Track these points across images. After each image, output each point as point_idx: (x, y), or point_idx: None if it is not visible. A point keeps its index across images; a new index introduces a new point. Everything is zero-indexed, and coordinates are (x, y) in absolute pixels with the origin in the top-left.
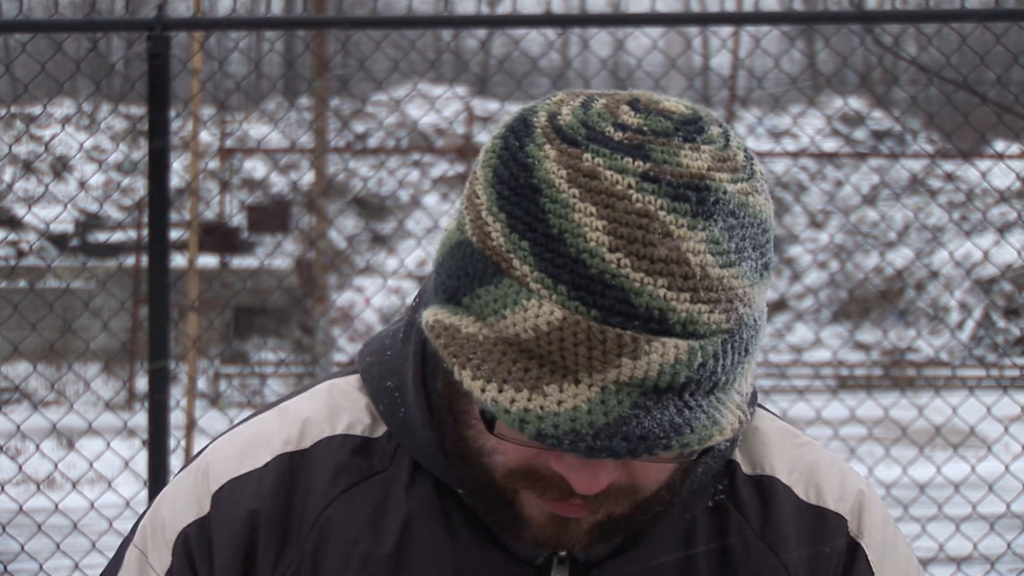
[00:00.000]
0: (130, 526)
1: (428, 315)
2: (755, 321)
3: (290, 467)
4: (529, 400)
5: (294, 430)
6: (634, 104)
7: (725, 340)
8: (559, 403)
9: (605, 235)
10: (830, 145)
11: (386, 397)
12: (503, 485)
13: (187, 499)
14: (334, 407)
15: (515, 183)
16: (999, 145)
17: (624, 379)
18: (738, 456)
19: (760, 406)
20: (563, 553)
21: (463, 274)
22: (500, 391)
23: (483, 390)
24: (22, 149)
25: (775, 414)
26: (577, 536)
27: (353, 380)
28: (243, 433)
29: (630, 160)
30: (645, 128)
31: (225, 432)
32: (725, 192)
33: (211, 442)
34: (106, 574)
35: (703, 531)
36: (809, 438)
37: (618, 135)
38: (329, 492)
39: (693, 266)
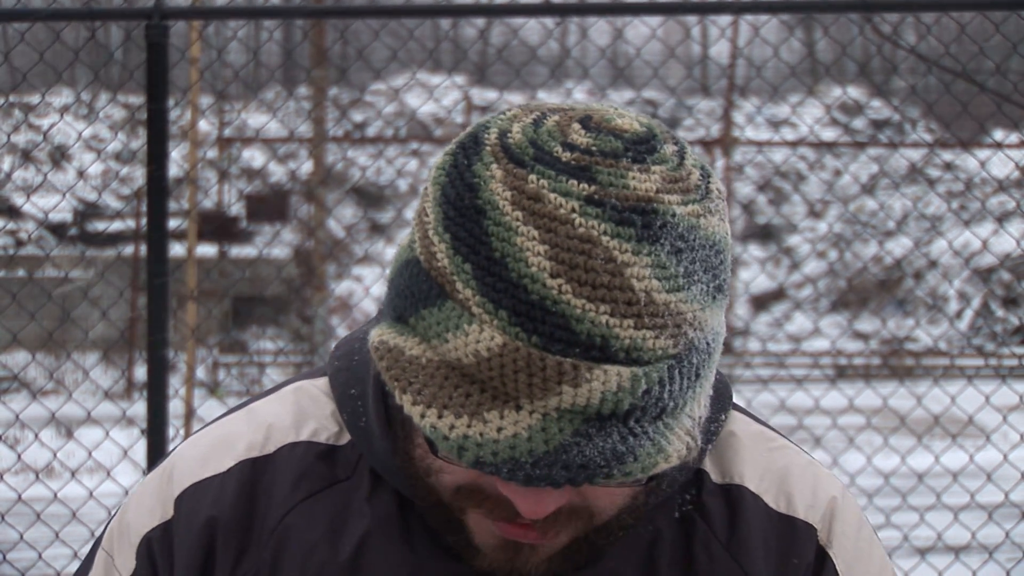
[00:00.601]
0: None
1: (375, 335)
2: (707, 344)
3: (252, 473)
4: (469, 427)
5: (259, 435)
6: (586, 122)
7: (672, 366)
8: (499, 430)
9: (547, 260)
10: (829, 134)
11: (350, 405)
12: (451, 504)
13: (152, 502)
14: (301, 413)
15: (460, 203)
16: (998, 134)
17: (565, 406)
18: (708, 465)
19: (736, 407)
20: None
21: (410, 294)
22: (440, 417)
23: (423, 415)
24: (21, 138)
25: (751, 415)
26: (533, 562)
27: (321, 384)
28: (209, 435)
29: (575, 183)
30: (594, 148)
31: (194, 433)
32: (673, 215)
33: (180, 443)
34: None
35: (667, 543)
36: (785, 441)
37: (566, 156)
38: (290, 499)
39: (637, 291)
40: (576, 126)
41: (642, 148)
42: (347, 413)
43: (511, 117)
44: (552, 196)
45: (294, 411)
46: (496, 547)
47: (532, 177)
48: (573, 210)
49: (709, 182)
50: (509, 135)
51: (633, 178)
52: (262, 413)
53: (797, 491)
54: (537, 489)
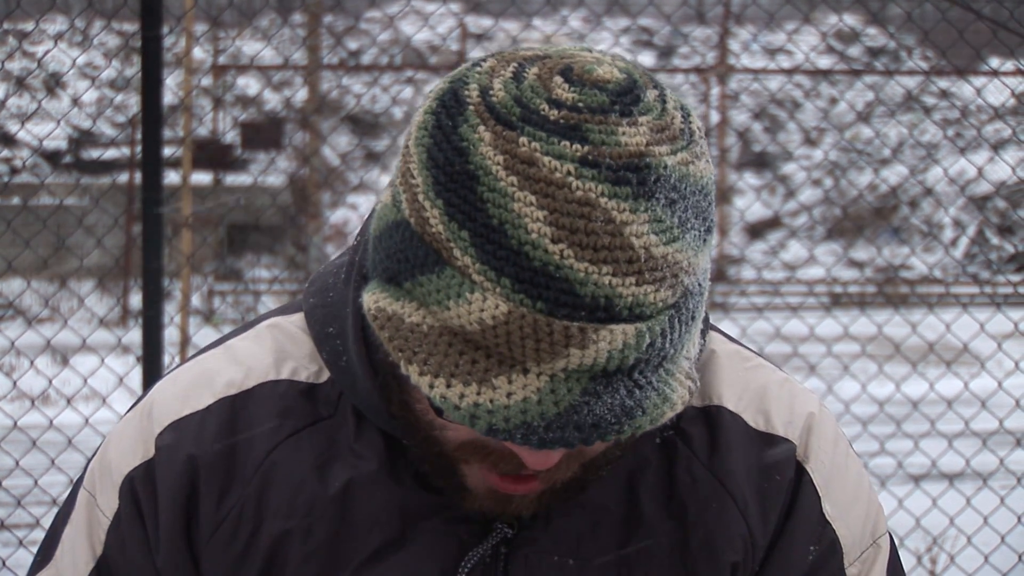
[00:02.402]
0: None
1: (369, 300)
2: (699, 286)
3: (232, 410)
4: (479, 394)
5: (238, 373)
6: (567, 74)
7: (672, 316)
8: (508, 395)
9: (547, 226)
10: (825, 62)
11: (328, 344)
12: (453, 457)
13: (133, 441)
14: (279, 351)
15: (451, 168)
16: (994, 62)
17: (573, 367)
18: None
19: (713, 327)
20: None
21: (403, 258)
22: (448, 386)
23: (432, 386)
24: (15, 66)
25: (725, 334)
26: (523, 505)
27: (296, 320)
28: (187, 373)
29: (567, 144)
30: (580, 104)
31: (171, 371)
32: (665, 167)
33: (158, 381)
34: (60, 517)
35: (648, 470)
36: (760, 359)
37: (553, 113)
38: (274, 436)
39: (637, 249)
40: (558, 79)
41: (627, 99)
42: (326, 352)
43: (488, 70)
44: (546, 160)
45: (273, 349)
46: (487, 494)
47: (523, 140)
48: (569, 173)
49: (691, 123)
50: (491, 92)
51: (623, 133)
52: (240, 351)
53: (774, 409)
54: None
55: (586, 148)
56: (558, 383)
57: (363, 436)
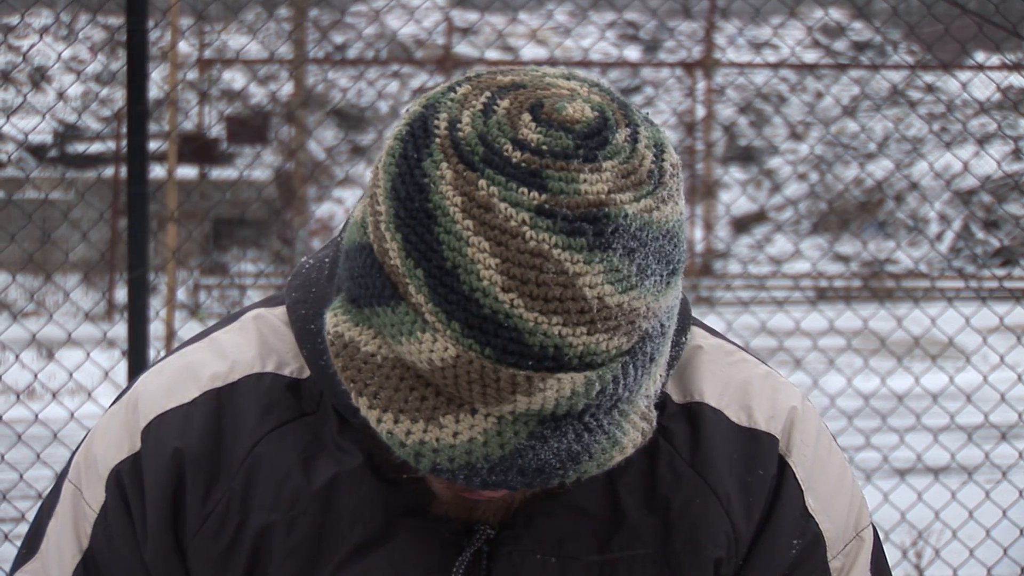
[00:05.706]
0: None
1: (330, 321)
2: (660, 327)
3: (218, 403)
4: (425, 432)
5: (223, 366)
6: (536, 112)
7: (626, 362)
8: (455, 435)
9: (498, 274)
10: (810, 56)
11: (309, 341)
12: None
13: (118, 435)
14: (264, 344)
15: (411, 204)
16: (979, 56)
17: (520, 411)
18: (669, 386)
19: (695, 321)
20: None
21: (364, 284)
22: (396, 422)
23: (379, 420)
24: (0, 60)
25: (709, 329)
26: (490, 511)
27: (280, 313)
28: (172, 366)
29: (526, 191)
30: (544, 148)
31: (155, 363)
32: (626, 216)
33: (142, 374)
34: (44, 509)
35: (632, 466)
36: (743, 354)
37: (516, 156)
38: (259, 429)
39: (590, 300)
40: (527, 117)
41: (593, 143)
42: (307, 349)
43: (460, 100)
44: (503, 206)
45: (257, 342)
46: (454, 500)
47: (482, 183)
48: (524, 222)
49: (663, 161)
50: (459, 127)
51: (584, 181)
52: (225, 343)
53: (757, 404)
54: None
55: (543, 196)
56: (505, 426)
57: (347, 432)
